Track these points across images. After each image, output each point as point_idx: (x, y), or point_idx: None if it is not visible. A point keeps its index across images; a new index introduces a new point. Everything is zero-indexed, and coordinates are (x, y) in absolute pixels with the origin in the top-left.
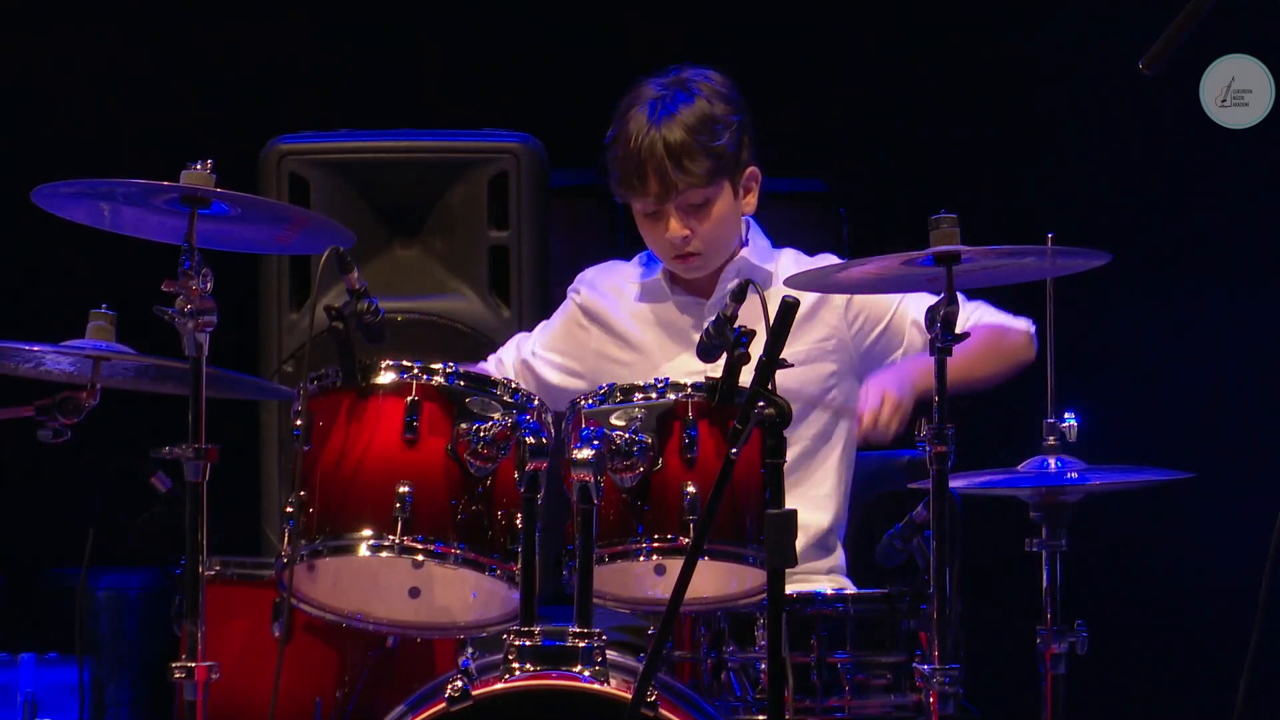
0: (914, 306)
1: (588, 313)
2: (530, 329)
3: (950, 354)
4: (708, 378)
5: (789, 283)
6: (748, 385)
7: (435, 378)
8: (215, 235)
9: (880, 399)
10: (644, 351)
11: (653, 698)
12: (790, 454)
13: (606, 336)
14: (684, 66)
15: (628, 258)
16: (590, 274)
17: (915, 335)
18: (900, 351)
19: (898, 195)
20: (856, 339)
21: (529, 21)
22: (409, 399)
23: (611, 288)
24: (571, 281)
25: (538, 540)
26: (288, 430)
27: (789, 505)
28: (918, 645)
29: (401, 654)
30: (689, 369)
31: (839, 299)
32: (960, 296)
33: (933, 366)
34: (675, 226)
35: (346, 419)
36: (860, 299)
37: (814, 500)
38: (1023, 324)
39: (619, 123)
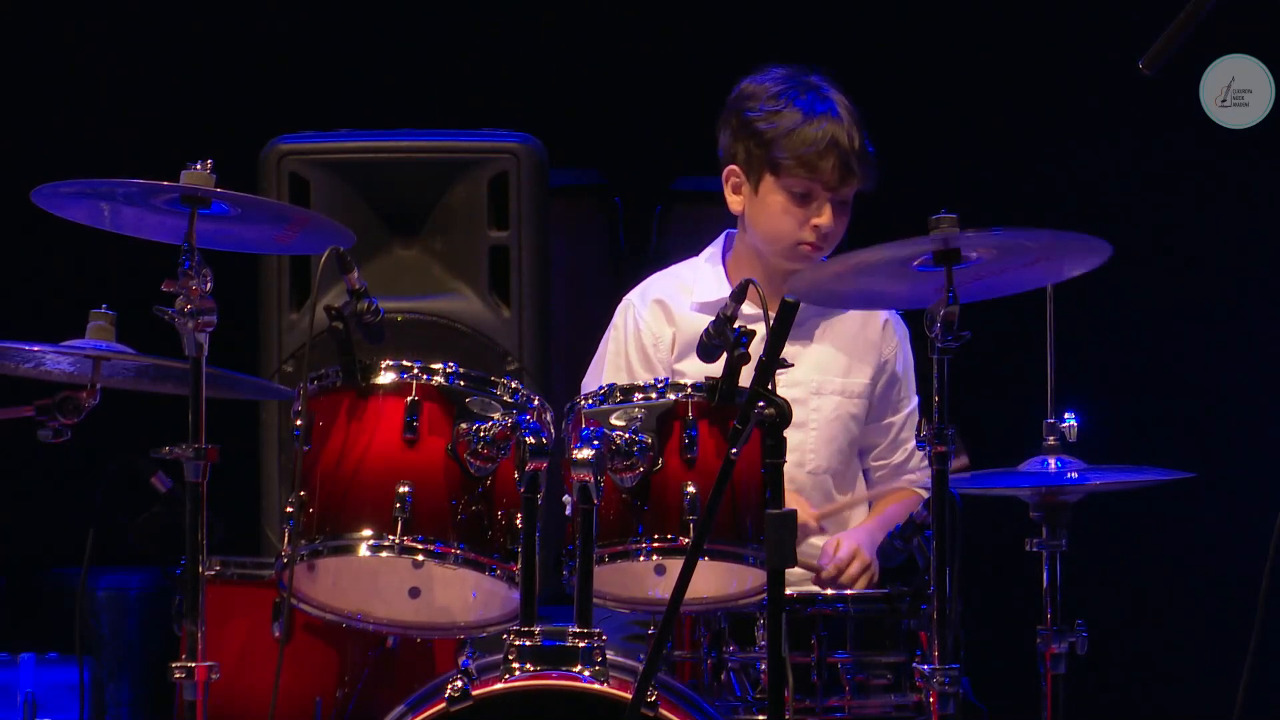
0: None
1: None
2: (529, 328)
3: (950, 354)
4: (708, 378)
5: (789, 284)
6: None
7: (435, 378)
8: (215, 235)
9: (850, 554)
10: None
11: (653, 698)
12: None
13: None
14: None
15: (629, 257)
16: (640, 301)
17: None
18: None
19: (898, 195)
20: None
21: (529, 21)
22: (409, 399)
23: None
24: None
25: (538, 540)
26: (288, 430)
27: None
28: (918, 645)
29: (401, 654)
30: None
31: (890, 354)
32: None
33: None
34: (828, 217)
35: (346, 419)
36: (897, 379)
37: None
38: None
39: (778, 100)
